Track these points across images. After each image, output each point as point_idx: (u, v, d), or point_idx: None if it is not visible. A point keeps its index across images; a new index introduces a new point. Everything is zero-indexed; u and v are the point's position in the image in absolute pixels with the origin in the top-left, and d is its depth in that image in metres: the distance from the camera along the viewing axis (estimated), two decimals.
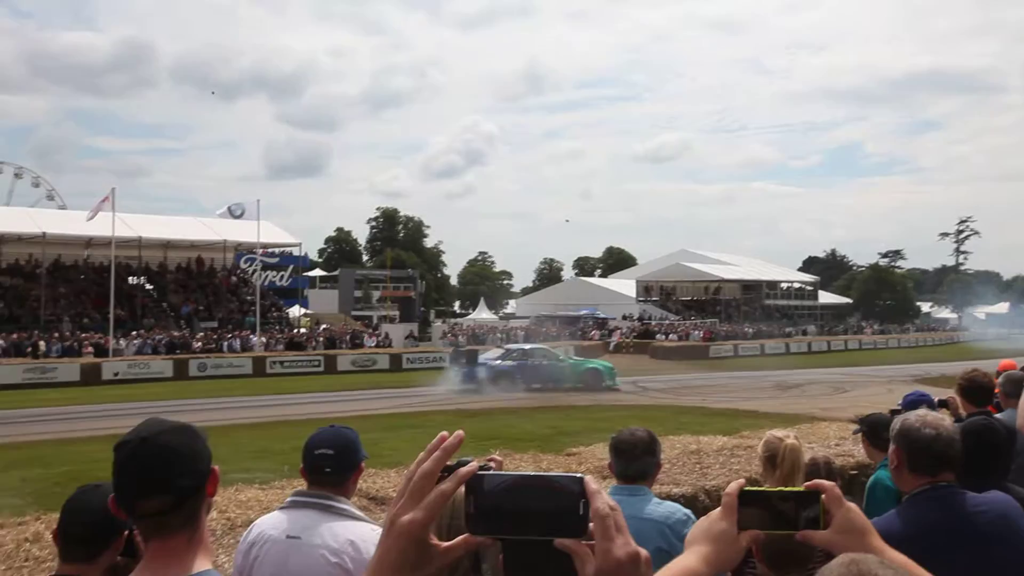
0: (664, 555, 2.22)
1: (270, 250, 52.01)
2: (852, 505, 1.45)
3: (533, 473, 1.20)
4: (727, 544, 1.44)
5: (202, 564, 1.83)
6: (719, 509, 1.47)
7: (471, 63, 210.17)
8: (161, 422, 1.91)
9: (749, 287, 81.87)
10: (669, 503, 3.76)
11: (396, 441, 17.72)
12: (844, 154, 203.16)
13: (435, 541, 1.20)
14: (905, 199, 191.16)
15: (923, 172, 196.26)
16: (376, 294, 62.69)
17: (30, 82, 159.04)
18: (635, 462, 3.69)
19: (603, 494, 1.13)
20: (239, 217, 42.57)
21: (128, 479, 1.82)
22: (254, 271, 48.62)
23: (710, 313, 73.18)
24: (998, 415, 5.48)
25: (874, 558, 1.24)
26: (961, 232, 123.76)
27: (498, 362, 30.20)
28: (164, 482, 1.80)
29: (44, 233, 42.58)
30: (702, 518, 1.51)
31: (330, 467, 3.08)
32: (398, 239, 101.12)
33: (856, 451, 7.75)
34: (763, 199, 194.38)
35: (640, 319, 68.28)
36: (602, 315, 69.44)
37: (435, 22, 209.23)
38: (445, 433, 1.26)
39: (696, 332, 59.45)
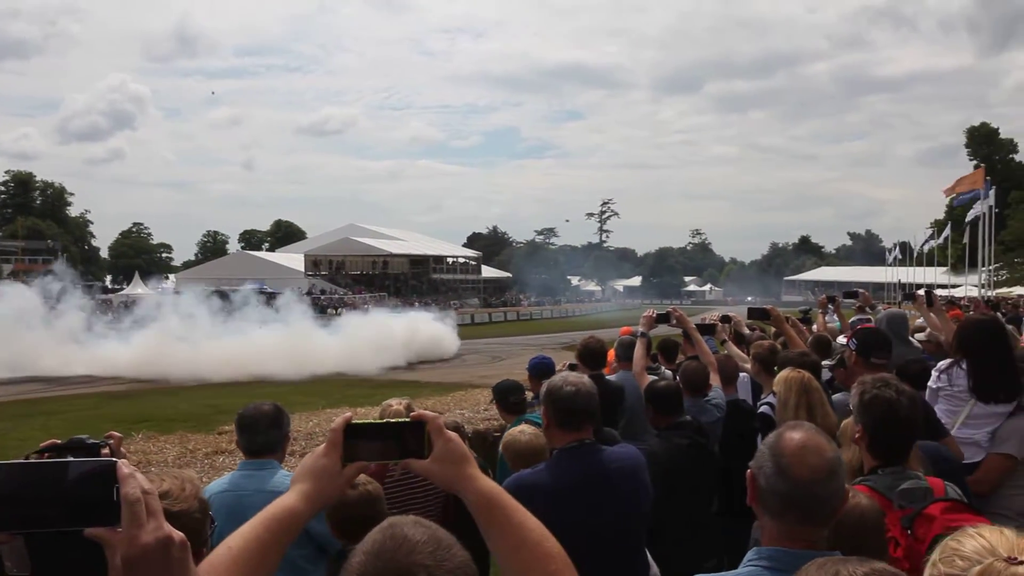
0: None
1: None
2: (452, 435, 1.49)
3: (56, 460, 1.10)
4: (330, 479, 1.44)
5: None
6: (324, 444, 1.46)
7: (113, 16, 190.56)
8: None
9: (417, 262, 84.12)
10: None
11: (27, 430, 15.89)
12: (502, 136, 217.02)
13: None
14: (555, 181, 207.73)
15: (569, 157, 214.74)
16: (8, 268, 55.48)
17: None
18: (259, 436, 3.62)
19: (136, 478, 1.07)
20: None
21: None
22: None
23: (379, 287, 74.14)
24: (610, 376, 6.17)
25: (411, 519, 1.30)
26: (604, 213, 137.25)
27: None
28: None
29: None
30: (308, 455, 1.50)
31: None
32: (34, 207, 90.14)
33: None
34: (429, 176, 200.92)
35: (309, 293, 67.36)
36: (269, 289, 67.53)
37: None
38: None
39: (365, 306, 59.98)
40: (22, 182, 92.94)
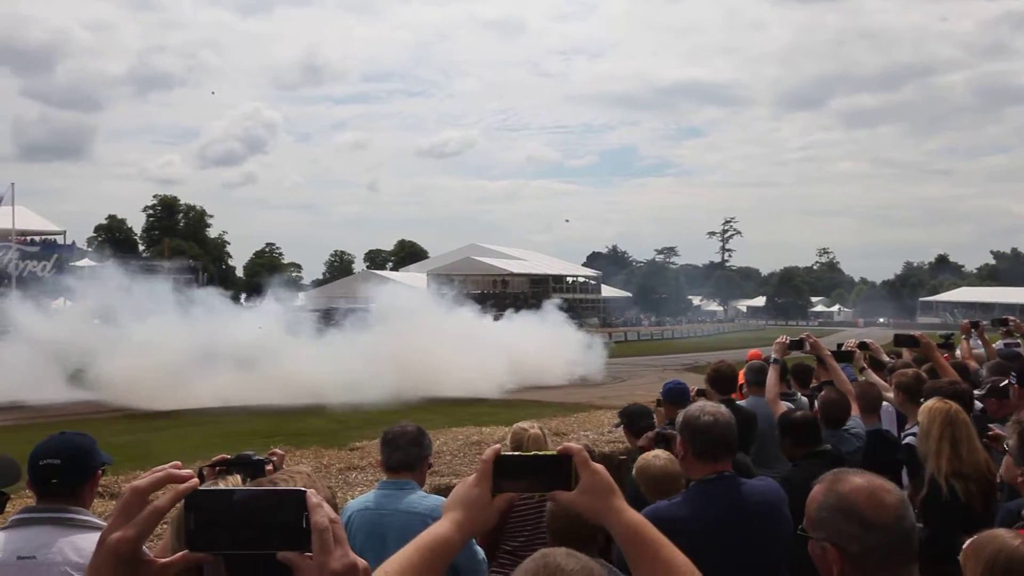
0: None
1: (28, 238, 47.56)
2: (599, 467, 1.51)
3: (254, 488, 1.18)
4: (480, 509, 1.48)
5: None
6: (474, 475, 1.50)
7: (249, 49, 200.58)
8: None
9: (537, 281, 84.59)
10: (436, 496, 3.83)
11: (170, 441, 16.81)
12: (619, 155, 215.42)
13: (150, 558, 1.16)
14: (675, 199, 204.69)
15: (690, 175, 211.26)
16: None
17: None
18: (398, 452, 3.73)
19: (324, 507, 1.14)
20: None
21: None
22: (9, 261, 44.22)
23: (500, 307, 74.94)
24: (740, 402, 6.04)
25: (563, 551, 1.32)
26: (726, 231, 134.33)
27: None
28: None
29: None
30: (459, 484, 1.54)
31: (58, 478, 2.85)
32: (178, 228, 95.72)
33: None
34: (546, 196, 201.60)
35: None
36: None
37: (210, 3, 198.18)
38: (179, 463, 1.22)
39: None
40: (168, 205, 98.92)
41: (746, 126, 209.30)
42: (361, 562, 1.14)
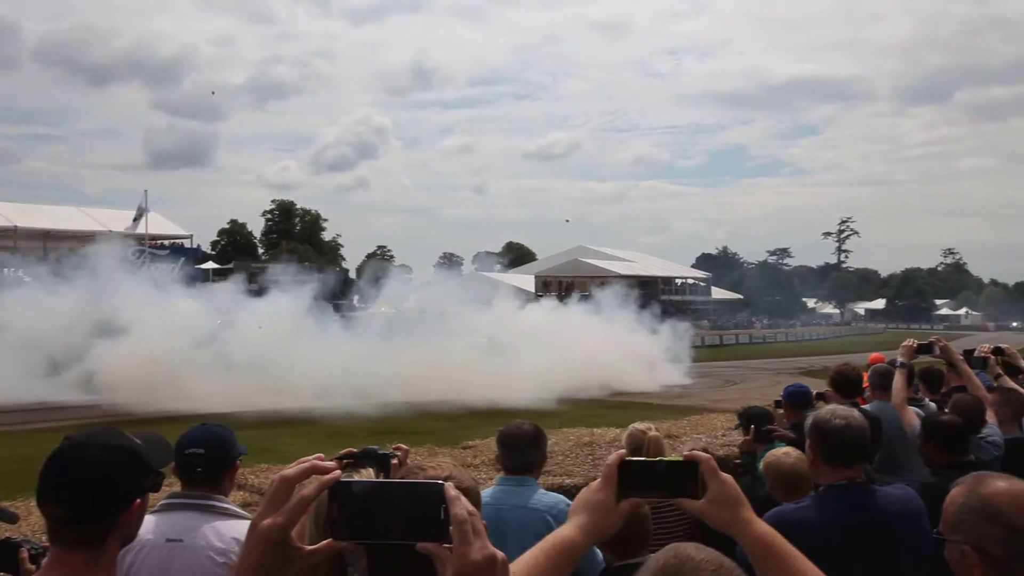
0: None
1: (159, 242, 50.22)
2: (727, 477, 1.51)
3: (395, 480, 1.22)
4: (606, 513, 1.50)
5: None
6: (599, 479, 1.52)
7: (360, 56, 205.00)
8: (109, 434, 1.86)
9: (645, 283, 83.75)
10: (554, 494, 3.84)
11: (290, 437, 17.41)
12: (729, 155, 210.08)
13: (297, 544, 1.21)
14: (787, 200, 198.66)
15: (804, 174, 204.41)
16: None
17: None
18: (519, 454, 3.75)
19: (462, 499, 1.17)
20: (139, 218, 41.77)
21: (45, 475, 1.82)
22: (143, 264, 46.79)
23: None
24: (865, 406, 5.82)
25: (693, 545, 1.31)
26: (842, 232, 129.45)
27: None
28: (67, 491, 1.77)
29: None
30: (584, 488, 1.56)
31: (202, 466, 3.00)
32: (295, 232, 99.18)
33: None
34: (654, 197, 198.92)
35: None
36: None
37: (324, 14, 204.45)
38: (322, 455, 1.28)
39: None
40: (285, 210, 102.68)
41: (864, 122, 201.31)
42: (500, 554, 1.17)
